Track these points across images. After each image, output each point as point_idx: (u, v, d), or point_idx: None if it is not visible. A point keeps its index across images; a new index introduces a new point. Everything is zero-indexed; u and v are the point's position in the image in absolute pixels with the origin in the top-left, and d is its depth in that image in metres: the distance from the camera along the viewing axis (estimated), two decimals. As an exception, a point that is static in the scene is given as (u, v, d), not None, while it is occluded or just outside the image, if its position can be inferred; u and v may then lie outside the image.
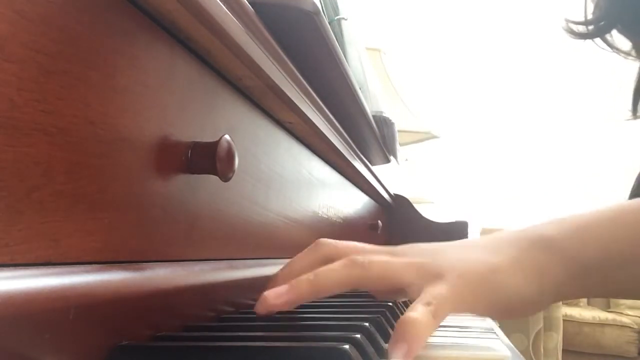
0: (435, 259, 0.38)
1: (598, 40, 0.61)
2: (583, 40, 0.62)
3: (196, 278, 0.39)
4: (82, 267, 0.27)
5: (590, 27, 0.60)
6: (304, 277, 0.37)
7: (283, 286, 0.37)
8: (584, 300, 3.48)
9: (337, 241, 0.41)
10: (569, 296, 0.40)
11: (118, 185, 0.30)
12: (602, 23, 0.60)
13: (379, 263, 0.38)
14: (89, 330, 0.26)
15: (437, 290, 0.35)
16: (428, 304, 0.34)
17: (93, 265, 0.28)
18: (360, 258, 0.38)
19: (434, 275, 0.37)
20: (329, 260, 0.39)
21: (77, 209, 0.27)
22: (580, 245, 0.39)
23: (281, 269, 0.41)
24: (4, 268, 0.22)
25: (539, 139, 3.66)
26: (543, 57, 3.59)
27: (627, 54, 0.61)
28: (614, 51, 0.61)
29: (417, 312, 0.34)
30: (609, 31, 0.60)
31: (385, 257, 0.39)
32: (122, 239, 0.31)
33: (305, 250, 0.42)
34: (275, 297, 0.36)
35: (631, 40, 0.60)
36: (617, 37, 0.61)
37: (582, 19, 0.61)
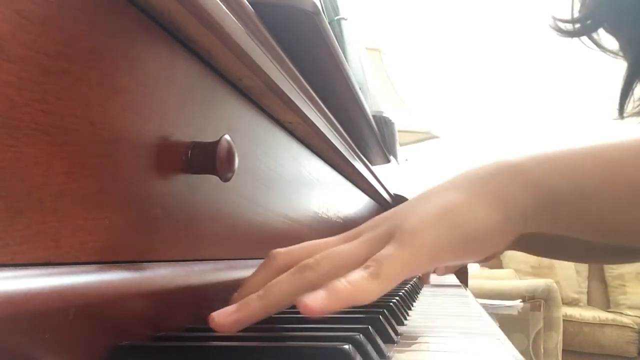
0: (387, 223, 0.36)
1: (586, 39, 0.61)
2: (570, 38, 0.62)
3: (196, 278, 0.39)
4: (82, 267, 0.27)
5: (577, 26, 0.61)
6: (254, 294, 0.35)
7: (232, 305, 0.34)
8: (584, 300, 3.48)
9: (291, 248, 0.39)
10: (539, 226, 0.37)
11: (118, 185, 0.30)
12: (589, 22, 0.60)
13: (328, 257, 0.35)
14: (89, 330, 0.26)
15: (382, 253, 0.33)
16: (366, 267, 0.32)
17: (93, 265, 0.28)
18: (308, 261, 0.35)
19: (384, 241, 0.35)
20: (283, 271, 0.36)
21: (77, 209, 0.27)
22: (549, 172, 0.36)
23: (236, 293, 0.38)
24: (4, 268, 0.22)
25: (540, 138, 3.66)
26: (543, 57, 3.59)
27: (615, 53, 0.61)
28: (601, 50, 0.62)
29: (347, 277, 0.32)
30: (595, 30, 0.61)
31: (334, 248, 0.37)
32: (122, 239, 0.31)
33: (259, 265, 0.39)
34: (223, 317, 0.34)
35: (617, 40, 0.60)
36: (604, 36, 0.61)
37: (569, 17, 0.61)
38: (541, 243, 0.45)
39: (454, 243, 0.35)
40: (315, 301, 0.30)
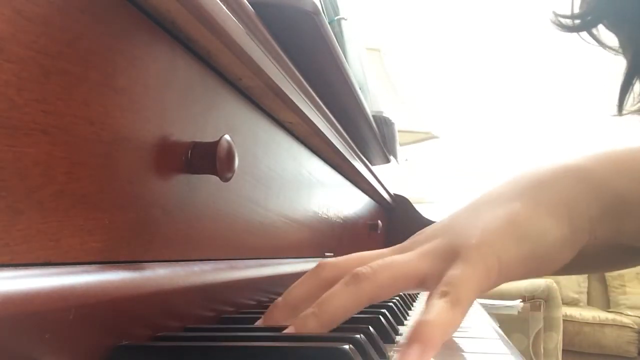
0: (447, 236, 0.34)
1: (586, 35, 0.62)
2: (570, 33, 0.62)
3: (196, 278, 0.39)
4: (82, 267, 0.27)
5: (577, 21, 0.61)
6: (308, 311, 0.33)
7: (290, 327, 0.33)
8: (584, 300, 3.48)
9: (339, 259, 0.36)
10: (604, 236, 0.34)
11: (118, 185, 0.30)
12: (589, 17, 0.60)
13: (385, 266, 0.33)
14: (89, 330, 0.26)
15: (453, 274, 0.31)
16: (444, 293, 0.30)
17: (93, 265, 0.28)
18: (362, 269, 0.33)
19: (449, 257, 0.32)
20: (332, 283, 0.34)
21: (77, 209, 0.27)
22: (613, 175, 0.34)
23: (279, 298, 0.37)
24: (4, 268, 0.22)
25: (539, 138, 3.66)
26: (544, 57, 3.59)
27: (615, 49, 0.62)
28: (601, 46, 0.62)
29: (431, 313, 0.29)
30: (595, 25, 0.61)
31: (391, 258, 0.34)
32: (122, 239, 0.31)
33: (305, 275, 0.37)
34: None
35: (617, 36, 0.60)
36: (604, 33, 0.61)
37: (569, 12, 0.61)
38: (590, 258, 0.40)
39: (525, 258, 0.32)
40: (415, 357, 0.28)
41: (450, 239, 0.33)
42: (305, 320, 0.32)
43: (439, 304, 0.30)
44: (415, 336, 0.28)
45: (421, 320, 0.29)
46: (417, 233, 0.37)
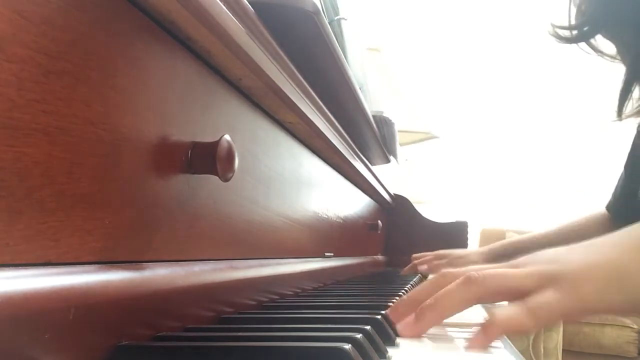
0: (557, 264, 0.39)
1: (584, 45, 0.62)
2: (568, 44, 0.63)
3: (196, 278, 0.39)
4: (82, 267, 0.27)
5: (575, 32, 0.61)
6: (426, 304, 0.40)
7: (411, 317, 0.41)
8: (584, 300, 3.48)
9: (458, 270, 0.43)
10: None
11: (118, 185, 0.30)
12: (586, 28, 0.61)
13: (494, 276, 0.40)
14: (89, 330, 0.26)
15: (543, 295, 0.37)
16: (525, 302, 0.36)
17: (93, 265, 0.28)
18: (474, 274, 0.40)
19: (549, 281, 0.38)
20: None
21: (77, 209, 0.27)
22: None
23: (405, 296, 0.44)
24: (4, 268, 0.22)
25: (539, 139, 3.66)
26: (543, 57, 3.59)
27: (612, 57, 0.62)
28: (599, 55, 0.62)
29: (500, 313, 0.36)
30: (592, 36, 0.61)
31: (502, 270, 0.41)
32: (122, 239, 0.31)
33: (429, 280, 0.45)
34: (408, 330, 0.40)
35: (615, 44, 0.61)
36: (602, 42, 0.62)
37: (566, 23, 0.62)
38: None
39: (621, 302, 0.38)
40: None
41: (559, 267, 0.39)
42: (423, 310, 0.40)
43: (512, 309, 0.36)
44: (483, 327, 0.36)
45: (493, 315, 0.36)
46: (534, 254, 0.43)
